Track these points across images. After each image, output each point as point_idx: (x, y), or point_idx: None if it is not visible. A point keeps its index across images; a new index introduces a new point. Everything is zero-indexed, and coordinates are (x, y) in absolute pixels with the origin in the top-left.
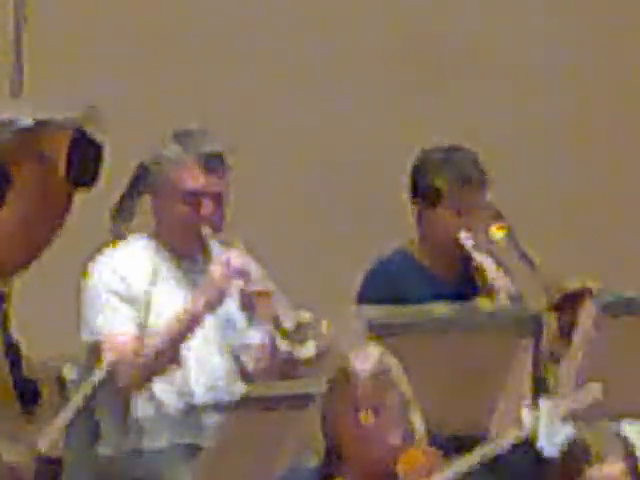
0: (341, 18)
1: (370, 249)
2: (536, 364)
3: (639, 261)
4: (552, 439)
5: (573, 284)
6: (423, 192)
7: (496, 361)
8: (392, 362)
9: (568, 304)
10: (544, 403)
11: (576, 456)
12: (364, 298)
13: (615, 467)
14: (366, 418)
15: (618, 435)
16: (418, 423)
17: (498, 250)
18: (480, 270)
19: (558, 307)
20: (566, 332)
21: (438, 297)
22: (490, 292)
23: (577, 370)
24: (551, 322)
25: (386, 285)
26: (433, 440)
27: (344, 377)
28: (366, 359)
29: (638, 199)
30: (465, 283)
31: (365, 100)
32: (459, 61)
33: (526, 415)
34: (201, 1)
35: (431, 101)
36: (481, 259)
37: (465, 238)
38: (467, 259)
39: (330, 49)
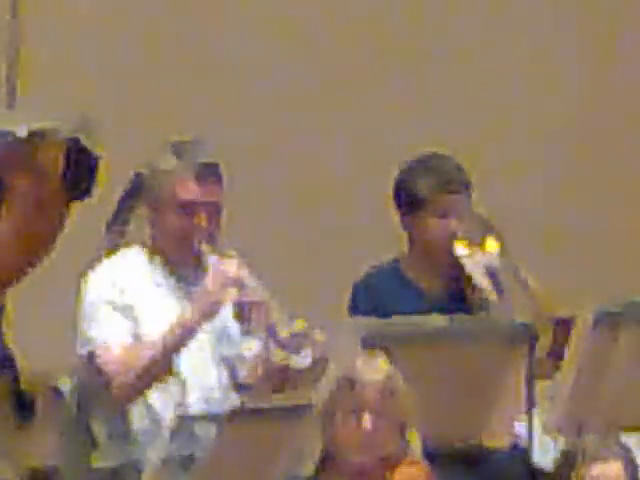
0: (331, 33)
1: (365, 258)
2: (530, 375)
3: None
4: (546, 450)
5: (563, 311)
6: (406, 199)
7: (490, 372)
8: (397, 374)
9: (556, 330)
10: (538, 414)
11: (571, 465)
12: (351, 312)
13: (614, 467)
14: (366, 420)
15: (618, 441)
16: (415, 439)
17: (491, 264)
18: (471, 279)
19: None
20: (554, 354)
21: (425, 313)
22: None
23: (572, 382)
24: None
25: (370, 299)
26: (427, 451)
27: (348, 383)
28: (372, 366)
29: (630, 219)
30: (454, 299)
31: (352, 113)
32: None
33: (520, 426)
34: (196, 16)
35: (420, 114)
36: (471, 269)
37: (458, 247)
38: (458, 273)
39: (318, 62)
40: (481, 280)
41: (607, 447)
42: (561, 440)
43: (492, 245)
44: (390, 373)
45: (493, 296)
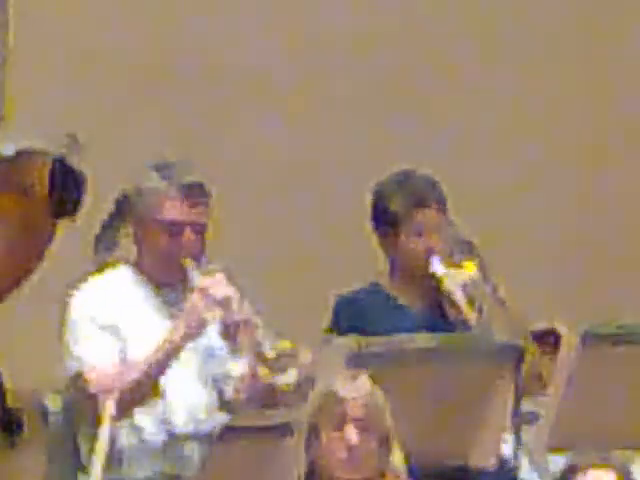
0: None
1: (350, 279)
2: (517, 394)
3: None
4: (534, 470)
5: (540, 325)
6: (382, 217)
7: (477, 391)
8: (379, 391)
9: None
10: (526, 434)
11: None
12: (332, 330)
13: (608, 476)
14: (351, 433)
15: (614, 456)
16: (399, 458)
17: (469, 282)
18: (450, 299)
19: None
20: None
21: (408, 330)
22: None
23: (559, 401)
24: (534, 352)
25: (354, 317)
26: (413, 470)
27: (333, 398)
28: (356, 383)
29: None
30: (437, 317)
31: (336, 129)
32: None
33: (507, 446)
34: (184, 35)
35: (401, 130)
36: (450, 287)
37: (435, 264)
38: (439, 291)
39: (300, 89)
40: (460, 298)
41: (603, 458)
42: (549, 459)
43: (471, 263)
44: (372, 389)
45: (471, 314)
